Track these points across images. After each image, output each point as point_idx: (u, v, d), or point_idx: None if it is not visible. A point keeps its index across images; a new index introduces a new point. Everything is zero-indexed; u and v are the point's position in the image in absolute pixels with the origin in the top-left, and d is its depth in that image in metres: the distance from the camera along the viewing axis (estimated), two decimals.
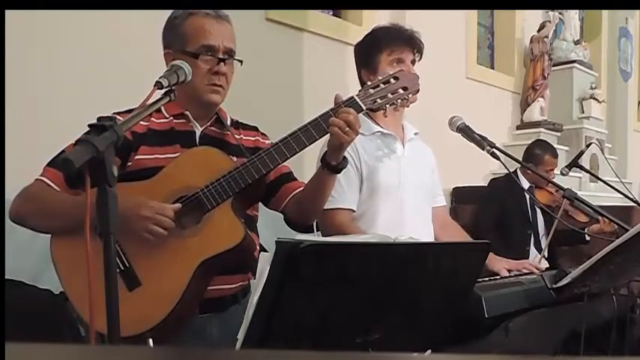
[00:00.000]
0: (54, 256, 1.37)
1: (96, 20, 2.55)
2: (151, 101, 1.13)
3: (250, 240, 1.35)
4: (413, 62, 1.86)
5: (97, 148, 0.88)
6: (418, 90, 1.45)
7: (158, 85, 1.15)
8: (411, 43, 1.86)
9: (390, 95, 1.40)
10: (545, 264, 3.14)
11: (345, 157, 1.42)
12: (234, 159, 1.43)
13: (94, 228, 0.91)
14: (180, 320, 1.33)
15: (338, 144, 1.37)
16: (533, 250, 3.45)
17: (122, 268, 1.30)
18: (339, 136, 1.34)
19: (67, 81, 2.50)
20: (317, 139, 1.37)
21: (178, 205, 1.31)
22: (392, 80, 1.41)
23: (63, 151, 1.37)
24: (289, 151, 1.36)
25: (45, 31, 2.45)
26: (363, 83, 1.91)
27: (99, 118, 1.00)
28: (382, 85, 1.40)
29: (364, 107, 1.38)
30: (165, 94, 1.18)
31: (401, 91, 1.40)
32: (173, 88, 1.19)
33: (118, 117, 1.36)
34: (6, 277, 1.55)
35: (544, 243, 3.41)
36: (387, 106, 1.41)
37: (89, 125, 0.93)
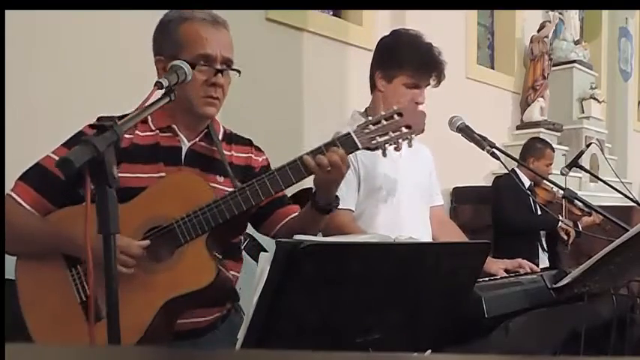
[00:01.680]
0: (17, 280, 1.29)
1: (96, 20, 2.56)
2: (150, 101, 1.12)
3: (224, 277, 1.27)
4: (427, 86, 1.83)
5: (97, 148, 0.88)
6: (423, 130, 1.31)
7: (158, 85, 1.13)
8: (434, 70, 1.81)
9: (391, 134, 1.27)
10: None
11: (337, 196, 1.35)
12: (222, 179, 1.37)
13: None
14: None
15: (317, 183, 1.32)
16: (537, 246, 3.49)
17: (84, 299, 1.25)
18: (319, 175, 1.27)
19: (67, 81, 2.51)
20: (305, 177, 1.28)
21: (146, 242, 1.23)
22: (395, 117, 1.28)
23: (37, 164, 1.32)
24: (274, 186, 1.27)
25: (45, 31, 2.45)
26: (373, 84, 1.89)
27: (99, 118, 1.00)
28: (384, 122, 1.28)
29: (360, 146, 1.28)
30: (165, 94, 1.16)
31: (404, 129, 1.28)
32: (173, 88, 1.17)
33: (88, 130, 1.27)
34: (6, 277, 1.54)
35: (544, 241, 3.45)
36: (387, 145, 1.29)
37: (89, 125, 0.93)
